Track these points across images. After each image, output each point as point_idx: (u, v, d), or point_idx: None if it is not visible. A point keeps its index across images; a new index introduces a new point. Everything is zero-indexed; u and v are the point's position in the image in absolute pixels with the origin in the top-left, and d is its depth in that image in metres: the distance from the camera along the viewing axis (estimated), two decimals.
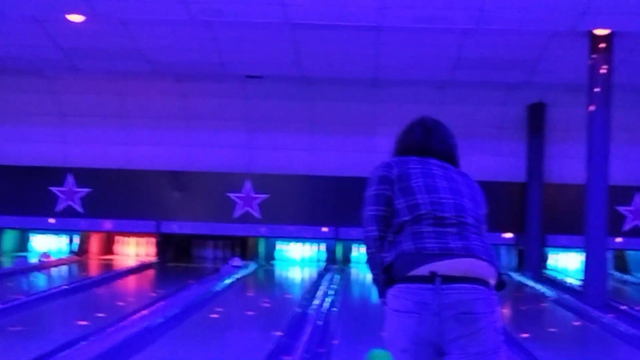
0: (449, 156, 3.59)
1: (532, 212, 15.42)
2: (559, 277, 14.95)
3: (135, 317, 8.73)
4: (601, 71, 11.08)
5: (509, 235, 15.88)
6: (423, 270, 3.17)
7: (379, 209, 3.41)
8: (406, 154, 3.56)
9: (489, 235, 3.46)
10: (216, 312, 9.90)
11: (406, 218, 3.31)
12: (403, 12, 10.80)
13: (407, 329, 3.20)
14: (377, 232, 3.40)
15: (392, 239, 3.34)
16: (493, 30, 11.29)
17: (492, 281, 3.25)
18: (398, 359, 3.29)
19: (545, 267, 15.98)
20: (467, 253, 3.21)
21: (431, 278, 3.15)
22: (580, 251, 15.38)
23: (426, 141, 3.58)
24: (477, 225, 3.36)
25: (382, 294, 3.39)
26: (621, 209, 15.63)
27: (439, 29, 11.30)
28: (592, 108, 11.22)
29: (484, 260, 3.23)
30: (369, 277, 12.35)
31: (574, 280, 14.13)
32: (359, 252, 16.42)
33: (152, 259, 16.11)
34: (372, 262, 3.45)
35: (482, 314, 3.15)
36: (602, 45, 11.09)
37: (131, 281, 13.47)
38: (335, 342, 7.81)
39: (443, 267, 3.16)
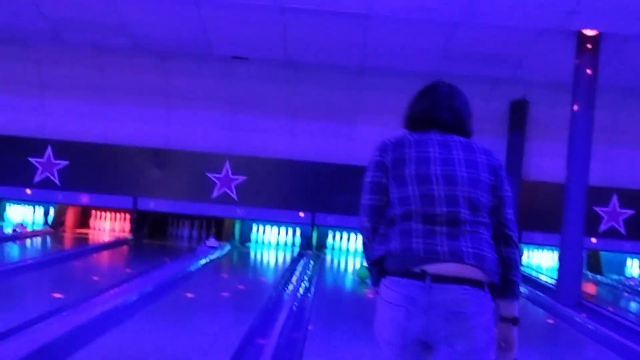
0: (458, 127, 3.43)
1: None
2: (533, 274, 15.02)
3: (109, 293, 8.68)
4: (587, 71, 11.10)
5: None
6: (414, 268, 3.16)
7: (373, 197, 3.36)
8: (412, 123, 3.47)
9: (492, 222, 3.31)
10: (190, 292, 9.88)
11: (397, 212, 3.26)
12: (392, 1, 10.78)
13: (395, 322, 3.18)
14: (369, 223, 3.37)
15: (384, 231, 3.30)
16: (481, 24, 11.29)
17: (486, 280, 3.18)
18: (384, 350, 3.29)
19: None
20: (454, 258, 3.13)
21: (422, 275, 3.13)
22: (554, 249, 15.58)
23: (433, 110, 3.43)
24: (473, 218, 3.21)
25: (374, 283, 3.36)
26: (598, 209, 15.73)
27: (427, 20, 11.28)
28: (575, 108, 11.24)
29: (472, 265, 3.14)
30: (343, 263, 12.40)
31: (547, 278, 14.21)
32: (334, 238, 16.43)
33: (127, 235, 16.04)
34: (365, 252, 3.43)
35: (471, 313, 3.12)
36: (589, 45, 11.12)
37: (105, 256, 13.41)
38: (310, 327, 7.80)
39: (432, 268, 3.13)
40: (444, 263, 3.13)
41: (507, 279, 3.32)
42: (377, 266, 3.33)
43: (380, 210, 3.34)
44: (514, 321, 3.36)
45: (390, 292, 3.21)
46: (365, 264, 3.55)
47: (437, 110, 3.41)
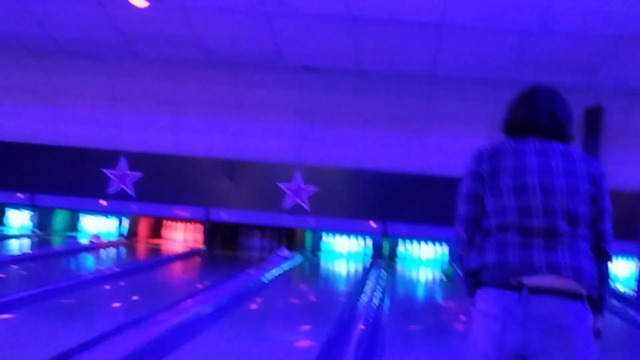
0: (558, 133, 3.37)
1: None
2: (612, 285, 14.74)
3: (183, 305, 8.73)
4: None
5: None
6: (510, 280, 3.11)
7: (469, 208, 3.33)
8: (511, 129, 3.42)
9: (594, 234, 3.27)
10: (264, 303, 9.89)
11: (493, 223, 3.23)
12: (465, 10, 10.69)
13: (491, 334, 3.14)
14: (464, 233, 3.35)
15: (480, 243, 3.27)
16: (556, 32, 11.13)
17: (584, 293, 3.14)
18: None
19: None
20: (551, 270, 3.09)
21: (518, 287, 3.09)
22: (632, 258, 15.26)
23: (533, 117, 3.38)
24: (571, 231, 3.15)
25: (469, 294, 3.35)
26: None
27: (500, 28, 11.16)
28: None
29: (569, 278, 3.10)
30: (414, 274, 12.33)
31: (625, 289, 13.92)
32: (405, 247, 16.34)
33: (200, 245, 16.16)
34: (461, 263, 3.40)
35: (571, 325, 3.07)
36: None
37: (179, 267, 13.52)
38: (387, 339, 7.75)
39: (529, 280, 3.09)
40: (541, 275, 3.08)
41: (599, 293, 3.28)
42: (473, 278, 3.31)
43: (476, 221, 3.32)
44: (597, 334, 3.31)
45: (486, 304, 3.18)
46: (451, 263, 3.52)
47: (537, 116, 3.36)
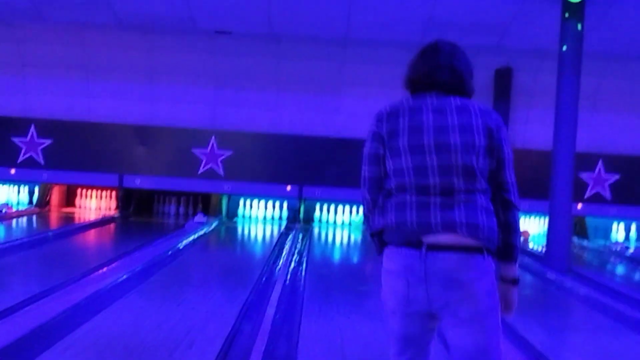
0: (459, 87, 3.37)
1: None
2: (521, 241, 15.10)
3: (99, 272, 8.66)
4: (572, 38, 11.07)
5: None
6: (411, 238, 3.19)
7: (372, 169, 3.38)
8: (413, 85, 3.42)
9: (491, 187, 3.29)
10: (181, 269, 9.87)
11: (392, 184, 3.29)
12: None
13: (396, 291, 3.25)
14: (368, 194, 3.41)
15: (382, 203, 3.34)
16: None
17: (484, 247, 3.19)
18: (389, 320, 3.34)
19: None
20: (446, 229, 3.15)
21: (418, 245, 3.17)
22: (541, 216, 15.67)
23: (434, 73, 3.35)
24: (468, 187, 3.20)
25: (378, 252, 3.41)
26: (584, 175, 15.79)
27: None
28: (560, 75, 11.22)
29: (464, 235, 3.15)
30: (331, 236, 12.39)
31: (534, 245, 14.29)
32: (321, 211, 16.45)
33: (114, 213, 15.99)
34: (367, 223, 3.47)
35: (470, 279, 3.15)
36: (574, 11, 11.08)
37: (93, 235, 13.37)
38: (305, 301, 7.81)
39: (428, 238, 3.16)
40: (438, 234, 3.16)
41: (507, 242, 3.32)
42: (378, 237, 3.38)
43: (379, 181, 3.37)
44: (514, 282, 3.39)
45: (390, 262, 3.28)
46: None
47: (437, 72, 3.35)
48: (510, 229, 3.31)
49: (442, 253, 3.13)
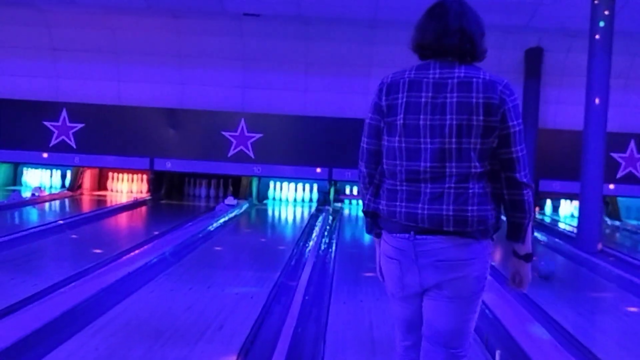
0: (468, 52, 3.16)
1: None
2: (553, 222, 15.05)
3: (130, 255, 8.72)
4: (603, 16, 10.95)
5: None
6: (401, 227, 3.15)
7: (370, 142, 3.25)
8: (420, 52, 3.22)
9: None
10: (212, 251, 9.92)
11: (386, 166, 3.19)
12: None
13: (392, 275, 3.25)
14: (365, 168, 3.29)
15: (378, 183, 3.26)
16: None
17: (474, 231, 3.08)
18: (390, 303, 3.37)
19: (539, 212, 16.07)
20: (433, 224, 3.07)
21: (408, 229, 3.12)
22: (572, 198, 15.57)
23: (441, 38, 3.14)
24: (461, 171, 3.04)
25: (368, 230, 3.37)
26: (615, 155, 15.65)
27: None
28: (592, 54, 11.11)
29: (451, 226, 3.06)
30: (361, 218, 12.33)
31: (566, 226, 14.21)
32: (351, 192, 16.47)
33: (145, 196, 16.09)
34: (362, 197, 3.38)
35: (460, 261, 3.10)
36: None
37: (125, 218, 13.46)
38: (334, 283, 7.82)
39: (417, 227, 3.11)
40: (425, 226, 3.10)
41: (513, 222, 3.19)
42: (370, 217, 3.32)
43: (378, 155, 3.25)
44: (526, 257, 3.29)
45: (386, 245, 3.25)
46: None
47: (446, 36, 3.14)
48: (517, 208, 3.14)
49: (431, 236, 3.08)
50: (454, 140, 3.03)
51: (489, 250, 3.19)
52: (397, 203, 3.13)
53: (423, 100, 3.09)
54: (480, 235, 3.10)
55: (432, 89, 3.09)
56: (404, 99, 3.12)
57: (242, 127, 15.83)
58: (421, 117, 3.08)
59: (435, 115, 3.05)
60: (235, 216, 13.72)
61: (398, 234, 3.15)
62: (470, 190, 3.05)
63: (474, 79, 3.09)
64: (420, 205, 3.07)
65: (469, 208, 3.05)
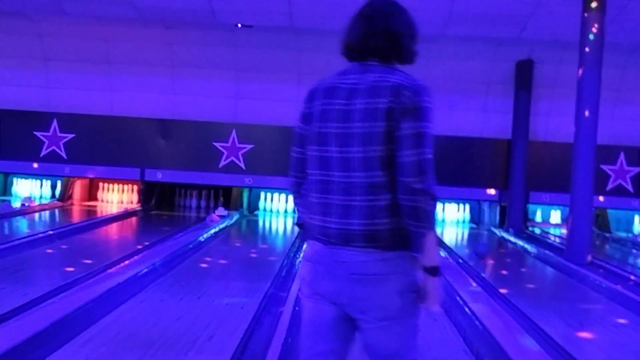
0: (395, 53, 3.05)
1: (516, 169, 15.43)
2: (543, 233, 15.09)
3: (120, 265, 8.71)
4: (593, 29, 11.01)
5: (492, 191, 15.96)
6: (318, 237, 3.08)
7: (297, 150, 3.18)
8: (347, 54, 3.13)
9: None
10: (203, 262, 9.92)
11: (307, 177, 3.13)
12: None
13: (306, 280, 3.13)
14: (293, 177, 3.24)
15: (304, 192, 3.19)
16: None
17: (388, 243, 2.93)
18: (302, 306, 3.23)
19: (529, 224, 16.11)
20: (342, 240, 2.95)
21: (324, 240, 3.03)
22: (561, 208, 15.64)
23: (367, 39, 3.04)
24: (366, 181, 2.90)
25: (302, 240, 3.38)
26: (605, 167, 15.71)
27: None
28: (582, 66, 11.17)
29: (358, 241, 2.93)
30: None
31: (556, 238, 14.25)
32: None
33: (135, 206, 16.07)
34: (295, 207, 3.36)
35: (375, 276, 2.93)
36: (595, 2, 11.02)
37: (115, 228, 13.44)
38: None
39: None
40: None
41: (410, 229, 2.92)
42: (301, 228, 3.28)
43: (303, 163, 3.15)
44: (432, 271, 2.98)
45: (307, 249, 3.15)
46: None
47: (372, 38, 3.04)
48: (411, 216, 2.88)
49: (346, 249, 2.94)
50: (360, 149, 2.90)
51: (410, 262, 2.98)
52: (313, 215, 3.05)
53: (336, 107, 2.99)
54: (396, 247, 2.94)
55: (345, 95, 2.99)
56: (320, 107, 3.03)
57: (234, 138, 15.84)
58: (333, 125, 2.97)
59: (344, 123, 2.94)
60: (226, 227, 13.72)
61: (317, 242, 3.05)
62: (380, 202, 2.91)
63: (384, 84, 2.93)
64: (331, 219, 2.97)
65: (380, 221, 2.92)
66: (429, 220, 2.89)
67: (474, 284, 8.83)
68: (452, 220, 16.50)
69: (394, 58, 3.07)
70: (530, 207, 16.34)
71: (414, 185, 2.85)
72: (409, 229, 2.91)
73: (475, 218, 16.50)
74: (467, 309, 7.08)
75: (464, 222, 16.52)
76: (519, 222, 15.31)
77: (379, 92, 2.90)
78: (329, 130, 2.98)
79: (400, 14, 3.07)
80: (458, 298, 7.64)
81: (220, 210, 15.28)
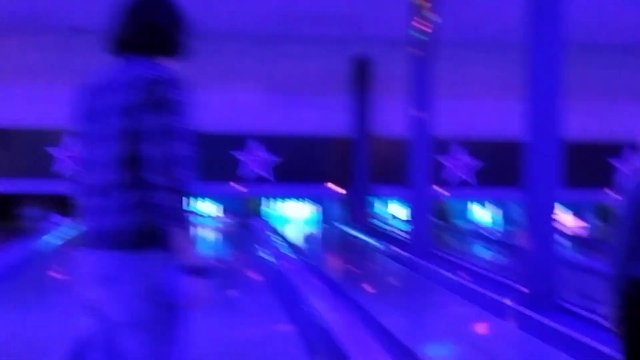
0: (155, 46, 2.94)
1: (357, 166, 15.60)
2: (387, 228, 15.30)
3: None
4: (425, 26, 11.21)
5: (334, 187, 16.10)
6: None
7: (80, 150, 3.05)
8: (113, 48, 2.98)
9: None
10: (44, 273, 9.61)
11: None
12: None
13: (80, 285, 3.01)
14: (77, 177, 3.07)
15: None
16: None
17: (132, 243, 2.82)
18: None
19: (373, 219, 16.30)
20: (96, 244, 2.86)
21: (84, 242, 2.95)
22: (402, 201, 15.96)
23: (123, 32, 2.95)
24: (125, 181, 2.78)
25: None
26: (443, 160, 16.08)
27: None
28: (416, 62, 11.37)
29: (112, 247, 2.82)
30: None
31: (400, 231, 14.47)
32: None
33: None
34: None
35: (116, 277, 2.82)
36: (426, 1, 11.22)
37: None
38: None
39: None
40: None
41: (160, 229, 2.80)
42: None
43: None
44: (195, 271, 2.81)
45: (79, 255, 3.03)
46: None
47: (127, 30, 2.96)
48: (151, 212, 2.76)
49: (99, 252, 2.85)
50: (115, 147, 2.80)
51: (156, 263, 2.84)
52: (85, 221, 2.93)
53: (98, 105, 2.89)
54: (143, 246, 2.81)
55: (107, 92, 2.88)
56: (86, 105, 2.94)
57: (67, 143, 15.45)
58: (94, 124, 2.89)
59: (104, 121, 2.84)
60: (68, 236, 13.30)
61: (86, 247, 2.93)
62: (130, 201, 2.80)
63: (140, 78, 2.82)
64: (88, 222, 2.89)
65: (126, 220, 2.80)
66: (177, 217, 2.77)
67: (316, 281, 8.80)
68: (298, 218, 16.57)
69: (158, 51, 2.95)
70: (376, 201, 16.56)
71: (159, 182, 2.74)
72: (159, 228, 2.78)
73: (323, 215, 16.61)
74: (306, 307, 7.03)
75: (310, 220, 16.60)
76: (363, 217, 15.48)
77: (136, 88, 2.78)
78: (92, 130, 2.88)
79: (166, 5, 2.97)
80: (299, 295, 7.59)
81: (58, 218, 14.85)
